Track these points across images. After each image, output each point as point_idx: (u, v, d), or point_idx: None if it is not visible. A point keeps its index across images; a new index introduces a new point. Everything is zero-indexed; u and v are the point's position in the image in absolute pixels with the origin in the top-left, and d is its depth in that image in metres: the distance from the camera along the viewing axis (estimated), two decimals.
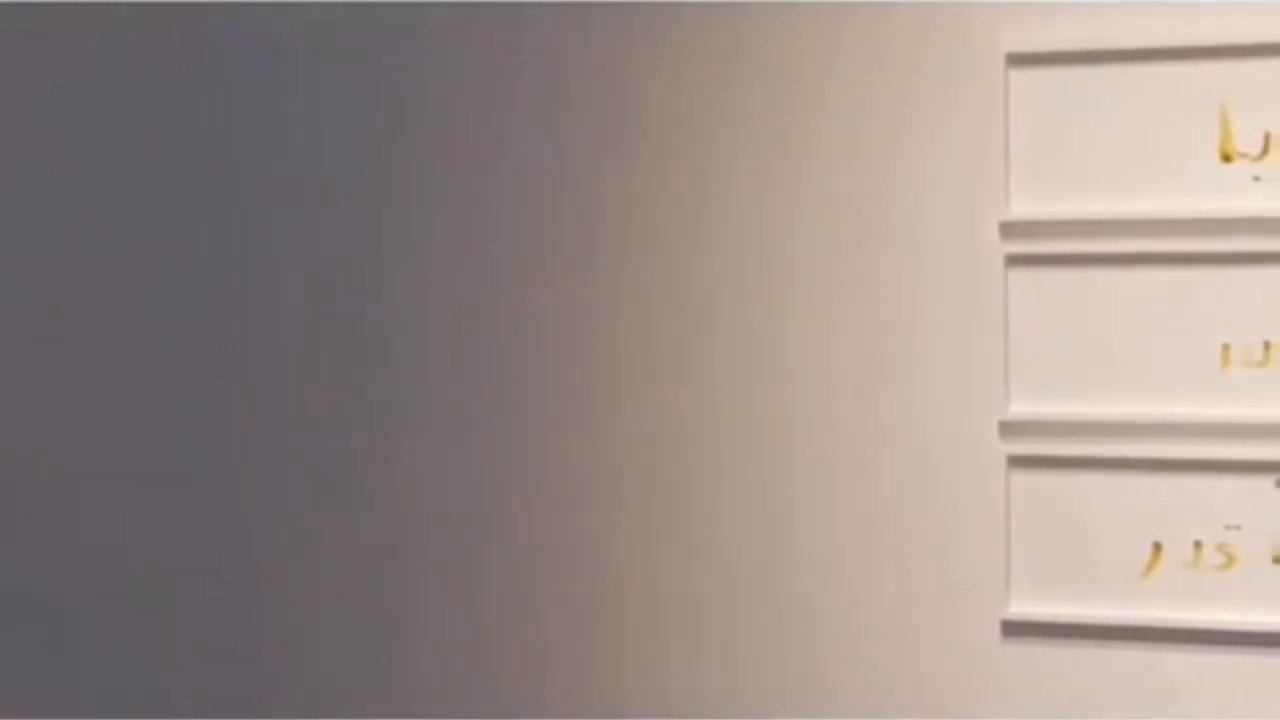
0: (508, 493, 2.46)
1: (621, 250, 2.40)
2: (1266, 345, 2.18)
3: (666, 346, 2.39)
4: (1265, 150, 2.17)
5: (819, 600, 2.35)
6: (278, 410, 2.56)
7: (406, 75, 2.48)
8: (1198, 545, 2.21)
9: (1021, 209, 2.24)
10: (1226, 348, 2.19)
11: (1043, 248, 2.23)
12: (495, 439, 2.46)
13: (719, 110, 2.35)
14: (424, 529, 2.51)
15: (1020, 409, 2.25)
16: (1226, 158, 2.18)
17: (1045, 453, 2.24)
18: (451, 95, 2.46)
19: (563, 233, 2.42)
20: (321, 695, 2.54)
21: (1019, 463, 2.25)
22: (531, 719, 2.46)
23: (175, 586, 2.61)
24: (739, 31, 2.34)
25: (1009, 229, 2.25)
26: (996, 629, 2.28)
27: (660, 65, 2.37)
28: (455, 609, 2.50)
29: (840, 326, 2.32)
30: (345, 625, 2.54)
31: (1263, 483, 2.18)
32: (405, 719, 2.50)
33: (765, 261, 2.34)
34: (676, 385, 2.39)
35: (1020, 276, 2.24)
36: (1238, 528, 2.19)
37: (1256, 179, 2.17)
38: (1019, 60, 2.23)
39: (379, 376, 2.51)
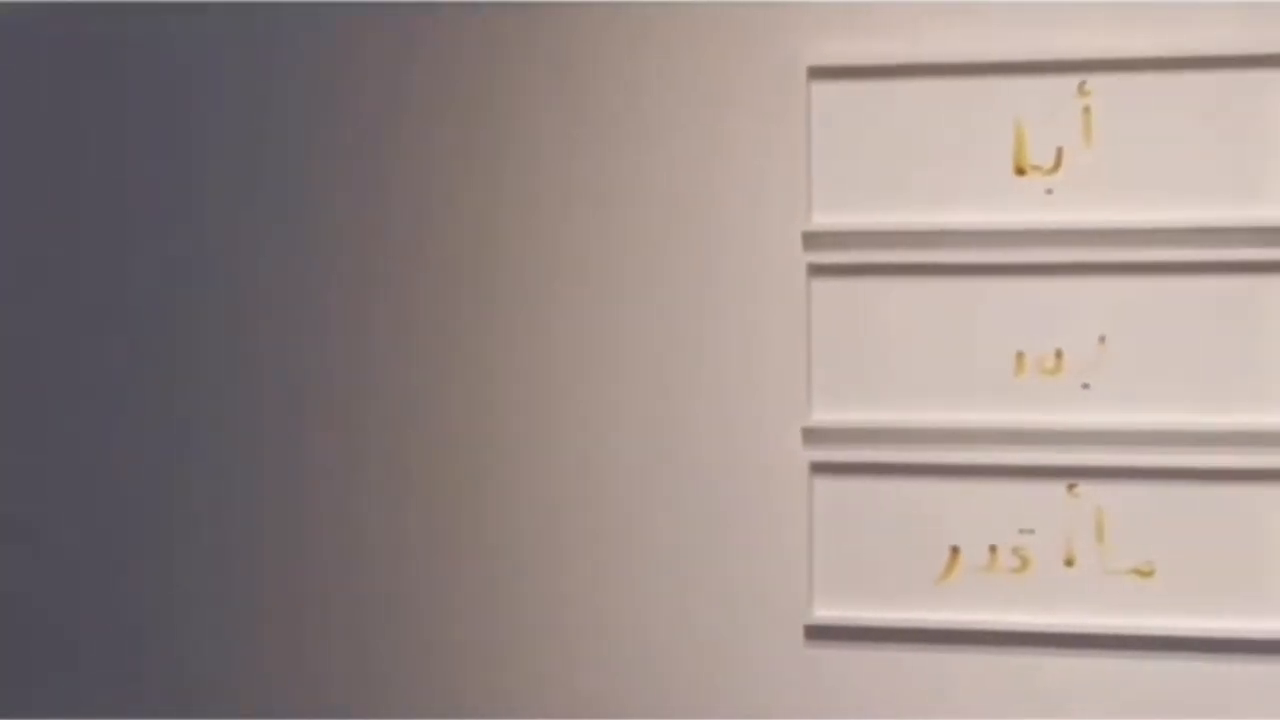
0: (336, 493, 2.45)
1: (425, 255, 2.39)
2: (1058, 354, 2.24)
3: (471, 349, 2.39)
4: (1057, 164, 2.23)
5: (623, 604, 2.36)
6: (123, 411, 2.51)
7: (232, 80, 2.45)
8: (993, 549, 2.26)
9: (823, 220, 2.28)
10: (1020, 356, 2.25)
11: (844, 258, 2.27)
12: (326, 438, 2.45)
13: (524, 118, 2.35)
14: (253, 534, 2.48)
15: (822, 416, 2.29)
16: (1020, 171, 2.24)
17: (847, 459, 2.28)
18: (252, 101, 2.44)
19: (359, 237, 2.41)
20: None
21: (821, 469, 2.29)
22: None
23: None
24: (544, 39, 2.34)
25: (811, 239, 2.28)
26: (800, 633, 2.31)
27: (462, 68, 2.37)
28: (234, 608, 2.48)
29: (644, 334, 2.33)
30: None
31: (1055, 487, 2.24)
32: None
33: (569, 268, 2.35)
34: (481, 386, 2.38)
35: (822, 286, 2.28)
36: (1031, 531, 2.25)
37: (1049, 192, 2.23)
38: (820, 73, 2.27)
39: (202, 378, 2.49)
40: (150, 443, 2.48)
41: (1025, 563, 2.26)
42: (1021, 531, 2.25)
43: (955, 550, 2.27)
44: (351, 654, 2.44)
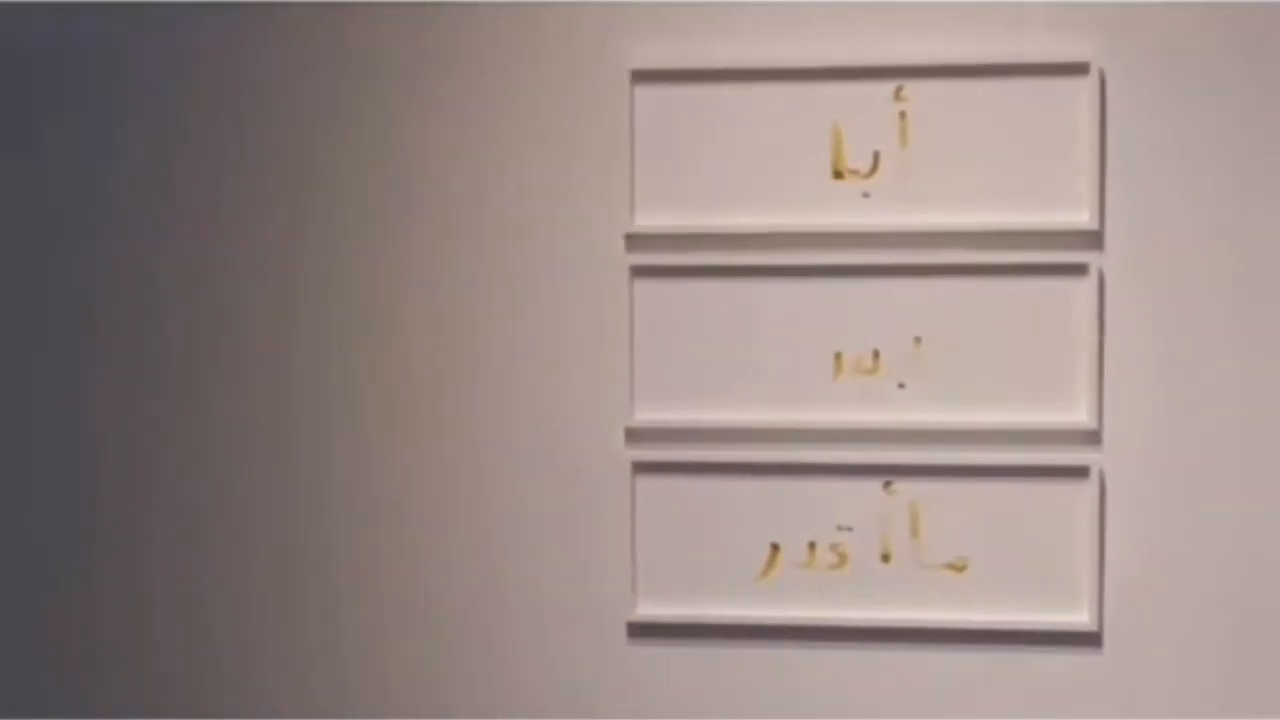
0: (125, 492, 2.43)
1: (251, 253, 2.38)
2: (876, 354, 2.28)
3: (302, 347, 2.38)
4: (874, 168, 2.27)
5: (447, 602, 2.37)
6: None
7: None
8: (812, 546, 2.30)
9: (646, 222, 2.30)
10: (839, 356, 2.29)
11: (666, 259, 2.30)
12: (122, 437, 2.43)
13: (348, 120, 2.35)
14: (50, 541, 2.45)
15: (645, 416, 2.31)
16: (838, 175, 2.28)
17: (669, 459, 2.31)
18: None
19: (180, 229, 2.40)
20: None
21: (644, 468, 2.31)
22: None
23: None
24: (367, 40, 2.34)
25: (634, 241, 2.30)
26: (623, 631, 2.34)
27: (290, 69, 2.36)
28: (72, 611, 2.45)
29: (469, 334, 2.34)
30: None
31: (872, 485, 2.29)
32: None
33: (391, 269, 2.35)
34: (306, 386, 2.38)
35: (645, 287, 2.30)
36: (849, 528, 2.30)
37: (866, 195, 2.28)
38: (643, 77, 2.29)
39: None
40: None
41: (843, 559, 2.30)
42: (840, 528, 2.30)
43: (775, 547, 2.31)
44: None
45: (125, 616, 2.44)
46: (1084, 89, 2.22)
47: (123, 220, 2.40)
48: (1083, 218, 2.23)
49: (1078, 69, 2.22)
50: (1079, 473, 2.25)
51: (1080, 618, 2.26)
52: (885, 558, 2.29)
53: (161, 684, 2.44)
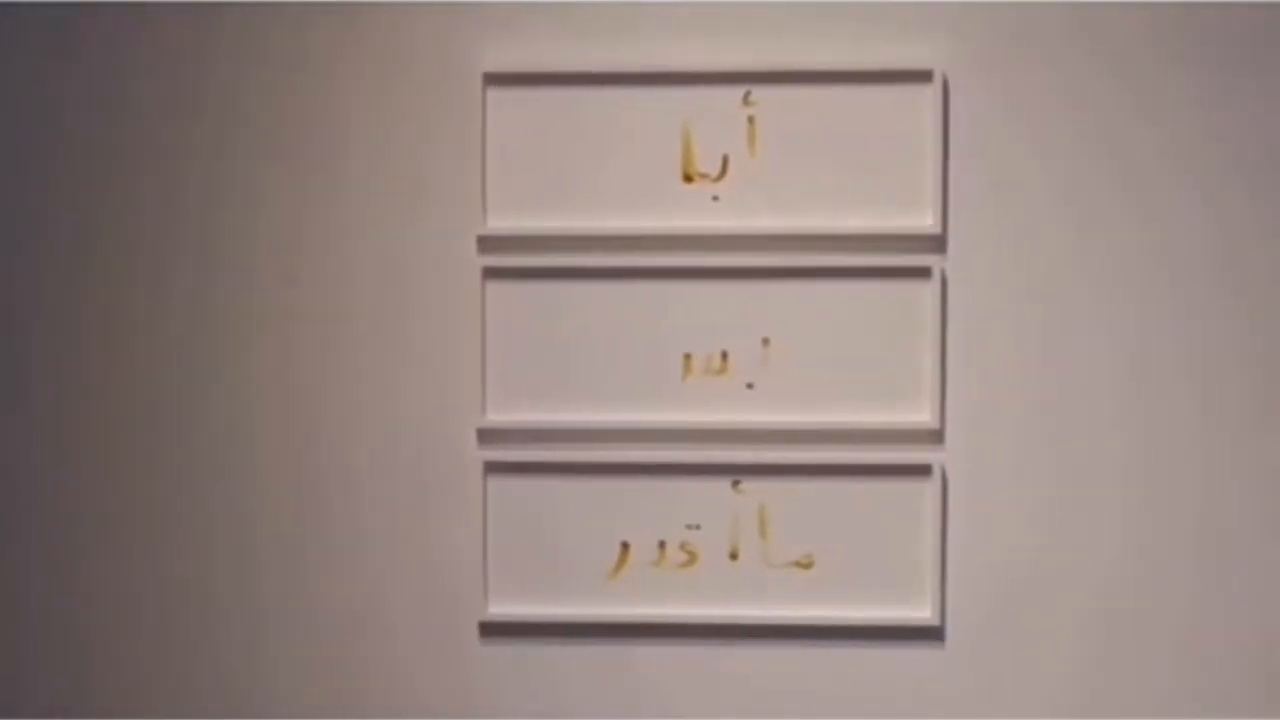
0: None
1: (91, 250, 2.37)
2: (724, 355, 2.31)
3: (135, 345, 2.36)
4: (723, 172, 2.30)
5: (296, 601, 2.37)
6: None
7: None
8: (662, 545, 2.33)
9: (498, 224, 2.31)
10: (688, 357, 2.32)
11: (518, 261, 2.32)
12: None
13: (201, 120, 2.34)
14: None
15: (496, 417, 2.33)
16: (688, 178, 2.31)
17: (520, 459, 2.33)
18: None
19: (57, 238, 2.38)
20: None
21: (495, 469, 2.33)
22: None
23: None
24: (218, 39, 2.33)
25: (486, 243, 2.32)
26: (475, 630, 2.35)
27: (141, 66, 2.34)
28: None
29: (320, 334, 2.34)
30: None
31: (721, 484, 2.32)
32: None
33: (242, 268, 2.34)
34: (149, 385, 2.37)
35: (497, 289, 2.32)
36: (698, 527, 2.33)
37: (715, 199, 2.31)
38: (496, 80, 2.30)
39: None
40: None
41: (693, 557, 2.33)
42: (689, 527, 2.33)
43: (626, 546, 2.33)
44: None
45: None
46: (927, 95, 2.27)
47: None
48: (926, 222, 2.28)
49: (921, 76, 2.27)
50: (922, 471, 2.30)
51: (924, 613, 2.31)
52: (734, 556, 2.33)
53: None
